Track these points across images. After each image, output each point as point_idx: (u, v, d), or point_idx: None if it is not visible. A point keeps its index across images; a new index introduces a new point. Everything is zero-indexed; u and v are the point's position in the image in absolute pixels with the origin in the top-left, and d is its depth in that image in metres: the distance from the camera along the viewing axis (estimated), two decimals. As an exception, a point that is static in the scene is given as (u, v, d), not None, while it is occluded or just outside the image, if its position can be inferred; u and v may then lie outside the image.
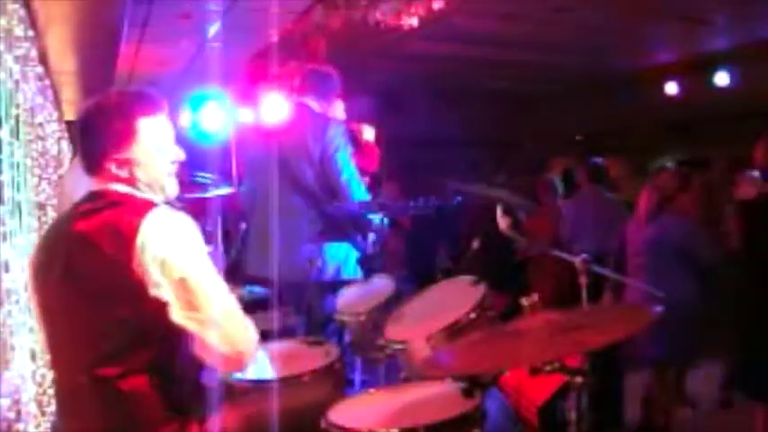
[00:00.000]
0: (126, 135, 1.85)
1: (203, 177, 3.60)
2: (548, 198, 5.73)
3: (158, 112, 1.91)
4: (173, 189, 1.95)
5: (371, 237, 3.43)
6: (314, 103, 3.52)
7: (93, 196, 1.87)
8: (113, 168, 1.85)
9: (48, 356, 1.92)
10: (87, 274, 1.76)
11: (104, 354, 1.74)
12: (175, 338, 1.78)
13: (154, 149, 1.88)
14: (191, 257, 1.77)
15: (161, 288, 1.72)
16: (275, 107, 3.60)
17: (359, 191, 3.39)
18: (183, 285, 1.74)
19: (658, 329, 3.69)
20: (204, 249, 1.83)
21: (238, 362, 1.84)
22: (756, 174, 4.46)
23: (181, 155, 1.96)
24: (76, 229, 1.80)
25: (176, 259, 1.74)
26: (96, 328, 1.76)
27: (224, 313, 1.80)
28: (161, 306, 1.73)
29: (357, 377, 2.98)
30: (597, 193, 5.76)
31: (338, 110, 3.96)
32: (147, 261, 1.71)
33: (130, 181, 1.87)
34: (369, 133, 3.94)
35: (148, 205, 1.81)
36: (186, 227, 1.81)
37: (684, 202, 3.95)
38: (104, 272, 1.73)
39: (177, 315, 1.74)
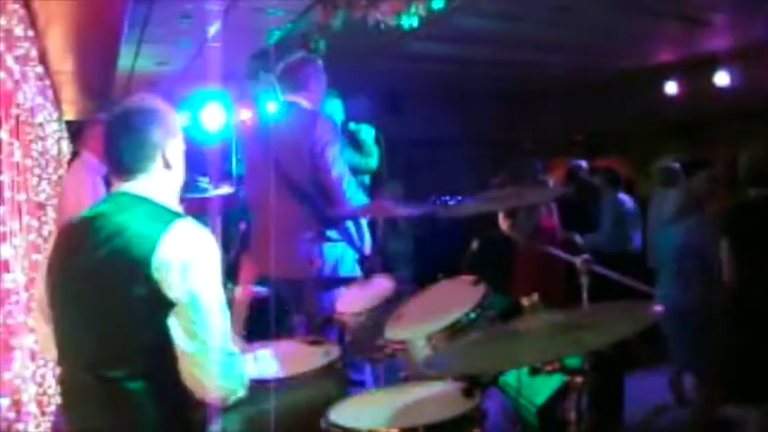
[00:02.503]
0: (176, 124, 1.95)
1: (201, 182, 3.61)
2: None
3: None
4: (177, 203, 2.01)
5: (368, 237, 3.42)
6: (302, 100, 3.44)
7: (120, 197, 1.88)
8: (163, 158, 1.89)
9: (54, 353, 1.92)
10: (106, 275, 1.76)
11: (113, 355, 1.76)
12: None
13: (183, 155, 1.98)
14: (206, 279, 1.78)
15: (173, 297, 1.74)
16: (269, 107, 3.59)
17: (350, 190, 3.31)
18: (191, 303, 1.75)
19: (683, 332, 3.71)
20: (219, 272, 1.83)
21: (218, 396, 1.84)
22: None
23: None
24: (99, 229, 1.81)
25: (192, 277, 1.75)
26: (108, 328, 1.77)
27: (219, 345, 1.80)
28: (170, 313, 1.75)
29: (357, 377, 2.98)
30: (614, 196, 5.98)
31: (337, 110, 3.96)
32: (166, 270, 1.73)
33: (166, 179, 1.92)
34: (368, 133, 3.93)
35: (175, 215, 1.84)
36: (209, 245, 1.82)
37: (713, 207, 3.92)
38: (123, 274, 1.74)
39: (177, 332, 1.75)
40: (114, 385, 1.74)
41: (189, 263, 1.75)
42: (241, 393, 1.87)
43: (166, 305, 1.73)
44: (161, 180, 1.91)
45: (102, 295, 1.77)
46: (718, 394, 3.85)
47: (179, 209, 1.97)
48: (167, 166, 1.91)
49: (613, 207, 6.07)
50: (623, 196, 6.21)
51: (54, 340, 1.92)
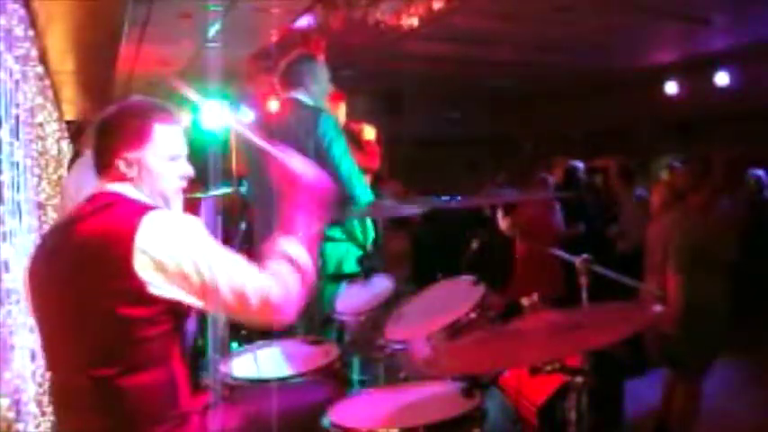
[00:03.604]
0: (140, 134, 1.89)
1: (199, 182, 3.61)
2: (541, 193, 5.79)
3: (174, 122, 1.96)
4: (177, 206, 1.98)
5: (372, 234, 3.41)
6: (303, 97, 3.40)
7: (94, 197, 1.89)
8: (122, 166, 1.87)
9: (44, 357, 1.92)
10: (86, 275, 1.76)
11: (103, 354, 1.75)
12: (174, 335, 1.79)
13: (165, 157, 1.92)
14: (193, 246, 1.77)
15: (167, 287, 1.73)
16: (270, 105, 3.58)
17: (360, 185, 3.28)
18: (197, 275, 1.74)
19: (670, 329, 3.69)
20: (208, 237, 1.82)
21: (282, 313, 1.85)
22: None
23: (190, 172, 1.99)
24: (76, 230, 1.81)
25: (180, 256, 1.74)
26: (95, 328, 1.76)
27: (247, 282, 1.80)
28: (161, 305, 1.74)
29: (357, 377, 2.98)
30: (631, 193, 6.06)
31: (340, 110, 3.95)
32: (149, 263, 1.72)
33: (136, 183, 1.89)
34: (369, 132, 3.92)
35: (147, 207, 1.82)
36: (185, 221, 1.81)
37: (696, 201, 3.91)
38: (104, 273, 1.73)
39: (204, 304, 1.77)
40: (108, 383, 1.74)
41: (168, 250, 1.74)
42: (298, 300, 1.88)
43: (153, 297, 1.73)
44: (128, 185, 1.89)
45: (86, 297, 1.75)
46: (700, 390, 3.85)
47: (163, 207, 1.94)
48: (123, 177, 1.88)
49: (630, 202, 6.15)
50: (640, 191, 6.28)
51: (41, 345, 1.91)
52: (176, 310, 1.80)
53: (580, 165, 7.02)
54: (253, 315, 1.82)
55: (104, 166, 1.90)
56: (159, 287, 1.73)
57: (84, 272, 1.76)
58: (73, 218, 1.87)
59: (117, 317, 1.73)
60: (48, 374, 1.92)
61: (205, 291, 1.76)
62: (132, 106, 1.97)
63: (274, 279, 1.85)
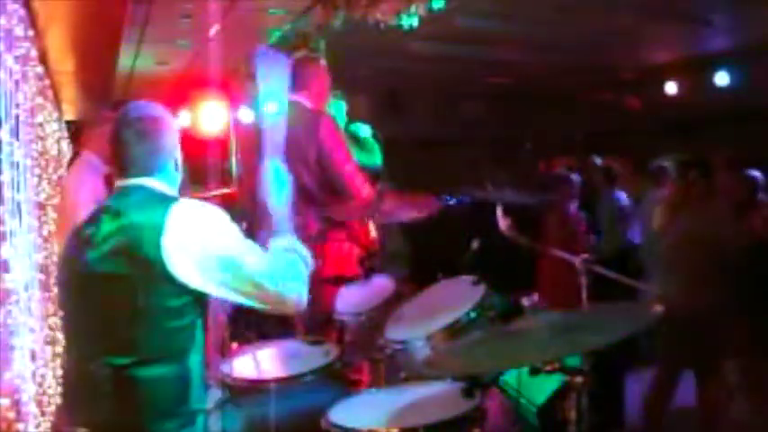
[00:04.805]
0: (177, 133, 2.06)
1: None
2: (564, 194, 5.63)
3: None
4: None
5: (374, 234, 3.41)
6: (304, 99, 3.41)
7: (127, 189, 1.94)
8: (170, 165, 1.99)
9: (65, 342, 2.00)
10: (118, 263, 1.80)
11: (123, 341, 1.79)
12: (192, 331, 1.83)
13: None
14: (223, 237, 1.86)
15: (197, 277, 1.80)
16: (270, 107, 3.57)
17: (363, 187, 3.28)
18: (226, 265, 1.83)
19: (670, 331, 3.69)
20: (233, 230, 1.91)
21: (295, 300, 1.95)
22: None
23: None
24: (112, 219, 1.86)
25: (211, 245, 1.82)
26: (119, 314, 1.80)
27: (274, 273, 1.90)
28: (184, 297, 1.79)
29: (357, 377, 2.98)
30: (611, 194, 6.14)
31: (339, 110, 3.95)
32: (178, 250, 1.77)
33: (167, 183, 2.00)
34: (365, 131, 3.91)
35: (174, 199, 1.92)
36: (211, 212, 1.90)
37: (692, 208, 3.91)
38: (135, 262, 1.78)
39: (230, 293, 1.85)
40: (121, 373, 1.77)
41: (199, 239, 1.81)
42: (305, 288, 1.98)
43: (178, 290, 1.78)
44: (167, 179, 1.99)
45: (109, 284, 1.81)
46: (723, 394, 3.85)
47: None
48: (177, 169, 2.02)
49: (609, 205, 6.13)
50: (619, 194, 6.26)
51: (64, 331, 2.00)
52: (200, 303, 1.86)
53: (598, 161, 6.93)
54: (270, 303, 1.91)
55: (157, 167, 1.96)
56: (187, 276, 1.78)
57: (116, 259, 1.80)
58: (103, 210, 1.92)
59: (142, 305, 1.77)
60: (66, 359, 1.96)
61: (227, 280, 1.84)
62: (158, 106, 2.06)
63: (287, 268, 1.95)
